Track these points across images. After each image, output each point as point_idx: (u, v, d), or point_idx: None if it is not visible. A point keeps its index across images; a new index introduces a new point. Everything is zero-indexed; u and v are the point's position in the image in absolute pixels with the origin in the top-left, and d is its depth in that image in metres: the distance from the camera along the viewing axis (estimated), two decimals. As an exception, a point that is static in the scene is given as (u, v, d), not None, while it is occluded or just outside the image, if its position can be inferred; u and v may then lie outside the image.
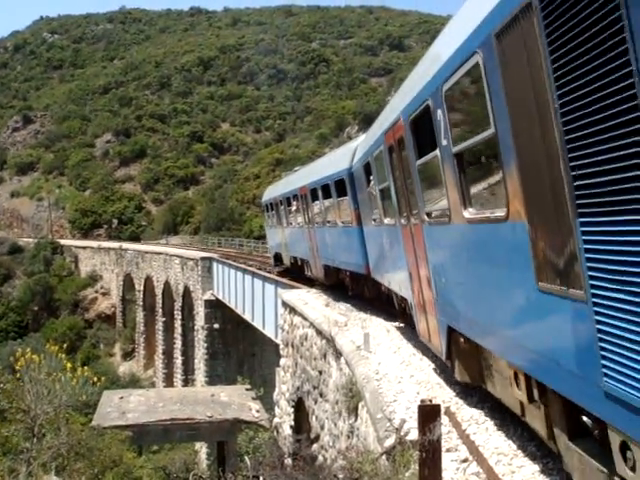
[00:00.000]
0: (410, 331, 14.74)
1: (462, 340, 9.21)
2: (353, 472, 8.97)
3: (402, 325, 16.20)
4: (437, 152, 8.54)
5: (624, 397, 4.38)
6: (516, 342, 6.89)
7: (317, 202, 22.70)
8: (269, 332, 36.15)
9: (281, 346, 24.50)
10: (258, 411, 28.97)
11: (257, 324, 40.15)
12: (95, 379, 18.05)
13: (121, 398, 30.91)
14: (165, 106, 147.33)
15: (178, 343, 66.47)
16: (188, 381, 62.44)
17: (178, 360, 66.38)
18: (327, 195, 21.25)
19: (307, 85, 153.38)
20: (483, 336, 8.24)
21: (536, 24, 4.87)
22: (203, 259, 57.39)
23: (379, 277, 16.87)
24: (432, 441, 6.49)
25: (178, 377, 66.03)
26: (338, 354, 15.29)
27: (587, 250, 4.72)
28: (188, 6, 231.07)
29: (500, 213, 6.54)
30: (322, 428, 16.83)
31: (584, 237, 4.73)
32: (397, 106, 11.08)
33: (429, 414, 6.62)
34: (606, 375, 4.64)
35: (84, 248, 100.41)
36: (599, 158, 4.30)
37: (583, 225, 4.72)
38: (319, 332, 17.86)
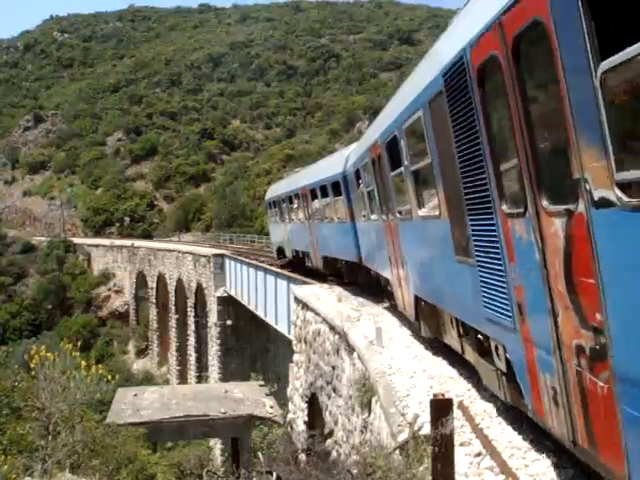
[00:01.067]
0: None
1: (423, 304, 12.69)
2: (367, 467, 8.97)
3: (389, 305, 18.55)
4: (402, 168, 12.24)
5: (493, 318, 7.88)
6: (448, 296, 10.73)
7: (316, 201, 25.61)
8: (282, 328, 36.13)
9: (294, 342, 24.50)
10: (272, 407, 29.02)
11: (270, 320, 40.14)
12: (109, 377, 18.05)
13: (135, 395, 31.04)
14: (175, 103, 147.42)
15: (191, 340, 66.62)
16: (202, 378, 62.59)
17: (192, 357, 66.57)
18: (325, 194, 24.16)
19: (317, 81, 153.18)
20: (433, 297, 11.86)
21: (445, 102, 8.42)
22: (215, 256, 57.43)
23: (369, 264, 19.71)
24: (445, 435, 6.49)
25: (192, 374, 66.20)
26: (351, 349, 15.30)
27: (472, 234, 8.20)
28: (197, 3, 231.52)
29: (436, 213, 10.05)
30: (336, 423, 16.85)
31: (471, 227, 8.21)
32: (377, 130, 14.94)
33: (441, 408, 6.62)
34: (485, 307, 8.13)
35: (96, 246, 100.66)
36: (472, 183, 7.84)
37: (470, 220, 8.18)
38: (332, 327, 17.87)
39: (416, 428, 8.77)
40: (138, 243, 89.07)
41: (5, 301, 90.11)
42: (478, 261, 8.11)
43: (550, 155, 5.93)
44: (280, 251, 37.63)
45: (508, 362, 7.91)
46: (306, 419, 21.99)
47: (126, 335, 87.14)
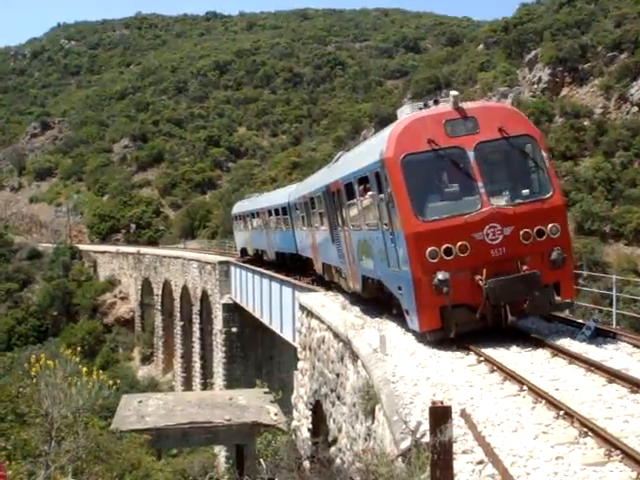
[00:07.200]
0: (423, 336, 14.74)
1: (325, 265, 25.74)
2: (369, 474, 8.97)
3: (315, 278, 29.62)
4: (316, 209, 25.32)
5: (341, 260, 22.21)
6: (332, 258, 23.72)
7: (271, 217, 37.45)
8: (287, 335, 36.11)
9: (299, 349, 24.51)
10: (276, 414, 29.06)
11: (275, 327, 40.13)
12: (111, 382, 17.91)
13: (140, 402, 31.13)
14: (182, 111, 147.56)
15: (196, 347, 66.56)
16: (207, 385, 62.48)
17: (197, 364, 66.50)
18: (277, 213, 35.82)
19: (323, 88, 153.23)
20: (328, 260, 24.86)
21: (325, 195, 22.96)
22: (221, 263, 57.34)
23: (302, 253, 31.19)
24: (443, 442, 6.48)
25: (197, 381, 66.14)
26: (355, 357, 15.30)
27: (335, 235, 22.16)
28: (204, 11, 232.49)
29: (326, 228, 23.55)
30: (339, 431, 16.85)
31: (334, 232, 22.28)
32: (306, 189, 27.43)
33: (440, 415, 6.61)
34: (339, 258, 22.40)
35: (102, 253, 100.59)
36: (333, 219, 22.27)
37: (334, 230, 22.34)
38: (336, 335, 17.88)
39: (418, 436, 8.75)
40: (144, 250, 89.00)
41: (11, 307, 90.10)
42: (336, 244, 21.82)
43: (343, 218, 20.89)
44: (243, 251, 51.34)
45: (344, 275, 22.01)
46: (310, 426, 21.98)
47: (131, 342, 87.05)
